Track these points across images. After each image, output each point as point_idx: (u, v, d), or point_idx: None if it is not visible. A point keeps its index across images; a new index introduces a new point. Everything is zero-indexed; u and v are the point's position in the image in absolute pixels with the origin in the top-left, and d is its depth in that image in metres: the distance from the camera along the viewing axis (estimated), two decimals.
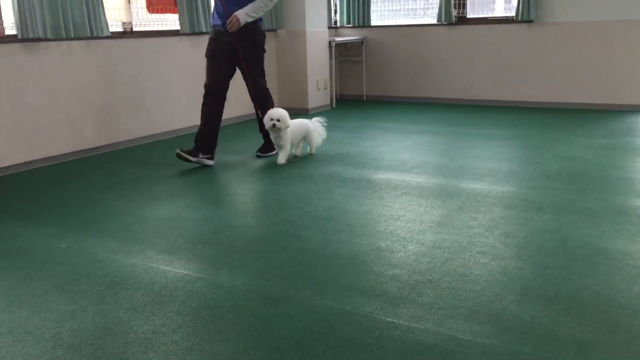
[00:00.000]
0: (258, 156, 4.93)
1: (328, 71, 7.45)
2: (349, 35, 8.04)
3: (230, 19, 4.44)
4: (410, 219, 3.30)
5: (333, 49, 7.52)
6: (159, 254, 2.92)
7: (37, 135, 4.74)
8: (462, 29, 7.41)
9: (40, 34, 4.60)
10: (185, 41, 6.00)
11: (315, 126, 4.86)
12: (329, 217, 3.37)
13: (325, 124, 4.93)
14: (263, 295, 2.44)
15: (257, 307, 2.34)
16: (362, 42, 7.97)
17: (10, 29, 4.64)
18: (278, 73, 7.22)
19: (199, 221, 3.38)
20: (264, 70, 4.79)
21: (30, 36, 4.54)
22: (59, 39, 4.80)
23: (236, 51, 4.55)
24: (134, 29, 5.60)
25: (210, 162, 4.63)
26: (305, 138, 4.84)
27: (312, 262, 2.76)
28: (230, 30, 4.45)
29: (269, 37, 7.02)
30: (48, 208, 3.68)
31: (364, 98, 8.14)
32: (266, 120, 4.49)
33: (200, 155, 4.56)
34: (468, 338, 2.07)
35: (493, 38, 7.23)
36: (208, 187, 4.11)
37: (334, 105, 7.60)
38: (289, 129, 4.55)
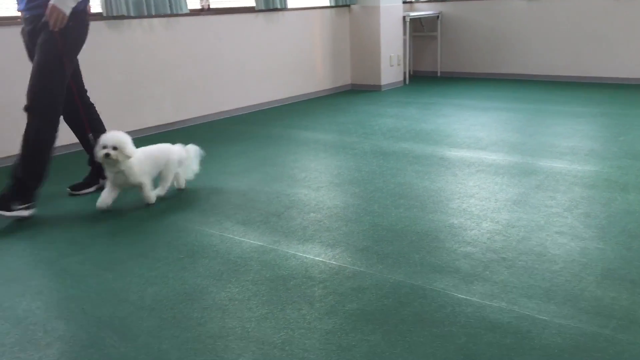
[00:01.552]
0: (71, 194, 3.56)
1: (402, 47, 7.34)
2: (424, 10, 7.88)
3: (48, 13, 3.03)
4: (485, 196, 3.24)
5: (407, 24, 7.39)
6: (234, 225, 3.01)
7: (119, 109, 4.95)
8: (544, 1, 7.10)
9: (124, 12, 4.78)
10: (260, 18, 6.07)
11: (187, 153, 3.52)
12: (401, 193, 3.35)
13: (201, 152, 3.60)
14: (335, 267, 2.48)
15: (329, 279, 2.37)
16: (438, 16, 7.79)
17: (96, 7, 4.84)
18: (351, 49, 7.18)
19: (273, 195, 3.45)
20: (79, 74, 3.42)
21: (114, 14, 4.74)
22: (140, 16, 4.97)
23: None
24: (211, 6, 5.71)
25: (26, 213, 3.16)
26: (162, 172, 3.39)
27: (384, 237, 2.77)
28: (54, 29, 3.05)
29: (342, 13, 7.01)
30: None
31: (438, 74, 7.98)
32: (97, 149, 3.14)
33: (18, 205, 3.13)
34: (544, 318, 2.03)
35: (576, 10, 6.89)
36: (281, 162, 4.17)
37: (407, 82, 7.50)
38: (135, 161, 3.20)
